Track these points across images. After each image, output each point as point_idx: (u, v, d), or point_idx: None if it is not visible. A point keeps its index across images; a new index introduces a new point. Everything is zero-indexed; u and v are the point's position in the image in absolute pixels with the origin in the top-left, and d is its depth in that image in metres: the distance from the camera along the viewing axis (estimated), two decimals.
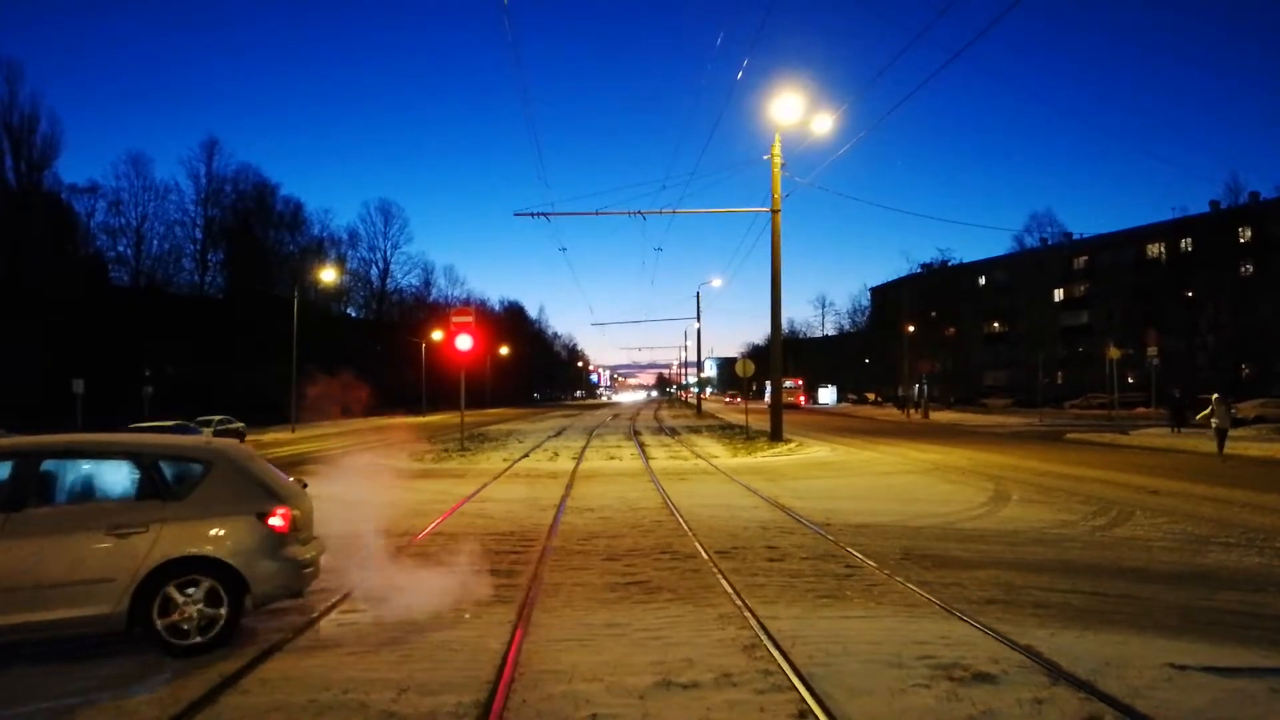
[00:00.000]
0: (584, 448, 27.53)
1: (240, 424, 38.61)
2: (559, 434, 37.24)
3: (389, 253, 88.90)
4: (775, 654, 5.63)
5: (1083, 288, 78.96)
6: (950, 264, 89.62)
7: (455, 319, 26.78)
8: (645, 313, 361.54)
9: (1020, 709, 4.67)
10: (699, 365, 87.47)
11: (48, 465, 6.09)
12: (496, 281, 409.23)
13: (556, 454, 24.92)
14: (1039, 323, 76.59)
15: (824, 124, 24.43)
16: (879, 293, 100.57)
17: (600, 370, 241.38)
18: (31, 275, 44.87)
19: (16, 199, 49.10)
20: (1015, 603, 7.06)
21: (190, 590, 5.88)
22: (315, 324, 58.40)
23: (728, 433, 35.59)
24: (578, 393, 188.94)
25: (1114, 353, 38.85)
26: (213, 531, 6.03)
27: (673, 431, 38.70)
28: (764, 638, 6.02)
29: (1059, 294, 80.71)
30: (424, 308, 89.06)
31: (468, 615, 6.89)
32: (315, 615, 6.88)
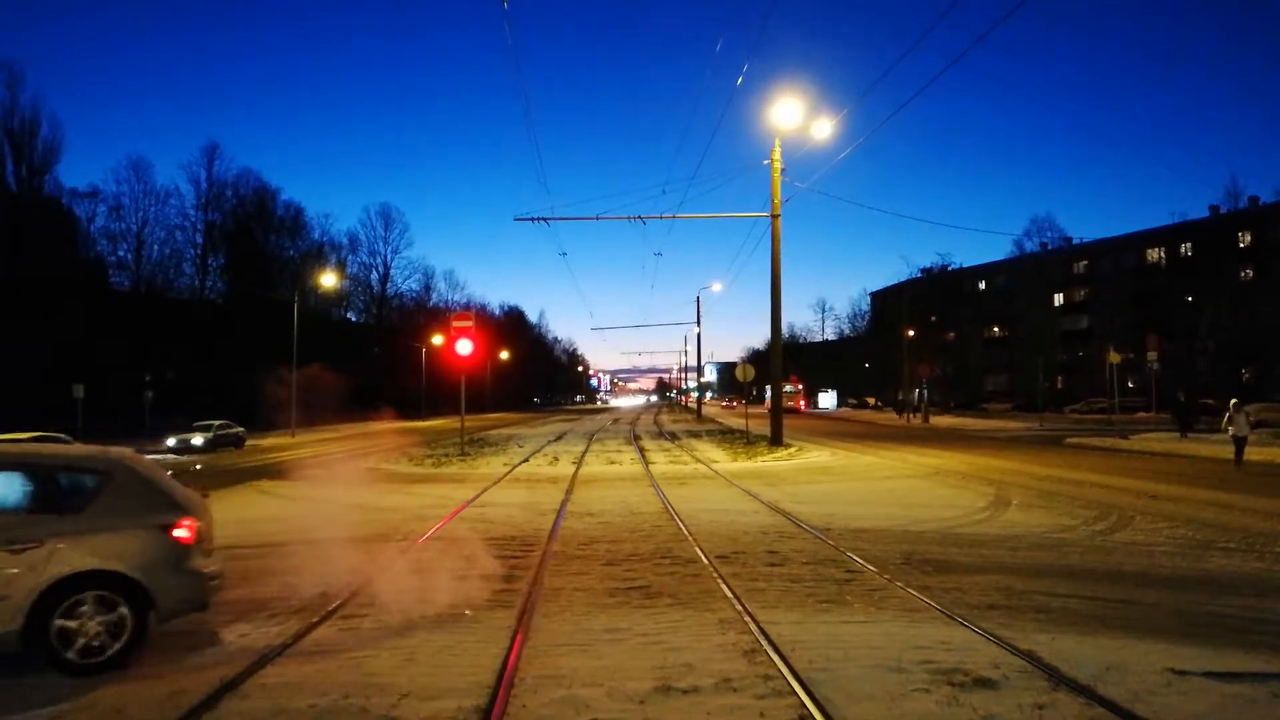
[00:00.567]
0: (584, 452, 27.52)
1: (240, 429, 38.49)
2: (559, 439, 37.22)
3: (389, 257, 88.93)
4: (775, 659, 5.63)
5: (1083, 292, 78.99)
6: (950, 268, 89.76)
7: (455, 324, 26.83)
8: (645, 317, 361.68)
9: (1021, 714, 4.67)
10: (699, 370, 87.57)
11: None
12: (497, 286, 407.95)
13: (556, 459, 24.91)
14: (1039, 327, 76.58)
15: (824, 129, 24.49)
16: (879, 297, 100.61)
17: (600, 375, 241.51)
18: (32, 280, 44.87)
19: (17, 203, 49.18)
20: (1016, 608, 7.05)
21: (90, 607, 5.62)
22: (316, 328, 58.45)
23: (728, 437, 35.58)
24: (578, 397, 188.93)
25: (1114, 357, 38.80)
26: (114, 545, 5.77)
27: (673, 436, 38.68)
28: (764, 643, 6.01)
29: (1059, 298, 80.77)
30: (424, 312, 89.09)
31: (468, 620, 6.89)
32: (315, 620, 6.87)
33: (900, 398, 64.97)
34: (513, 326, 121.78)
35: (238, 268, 66.08)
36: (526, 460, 24.34)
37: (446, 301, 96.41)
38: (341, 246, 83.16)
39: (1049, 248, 78.97)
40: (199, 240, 65.19)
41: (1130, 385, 58.64)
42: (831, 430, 44.64)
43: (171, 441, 34.81)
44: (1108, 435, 32.57)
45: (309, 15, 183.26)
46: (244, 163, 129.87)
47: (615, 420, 67.32)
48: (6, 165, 49.38)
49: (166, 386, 47.55)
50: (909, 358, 60.85)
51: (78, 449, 8.14)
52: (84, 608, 5.61)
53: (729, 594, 7.58)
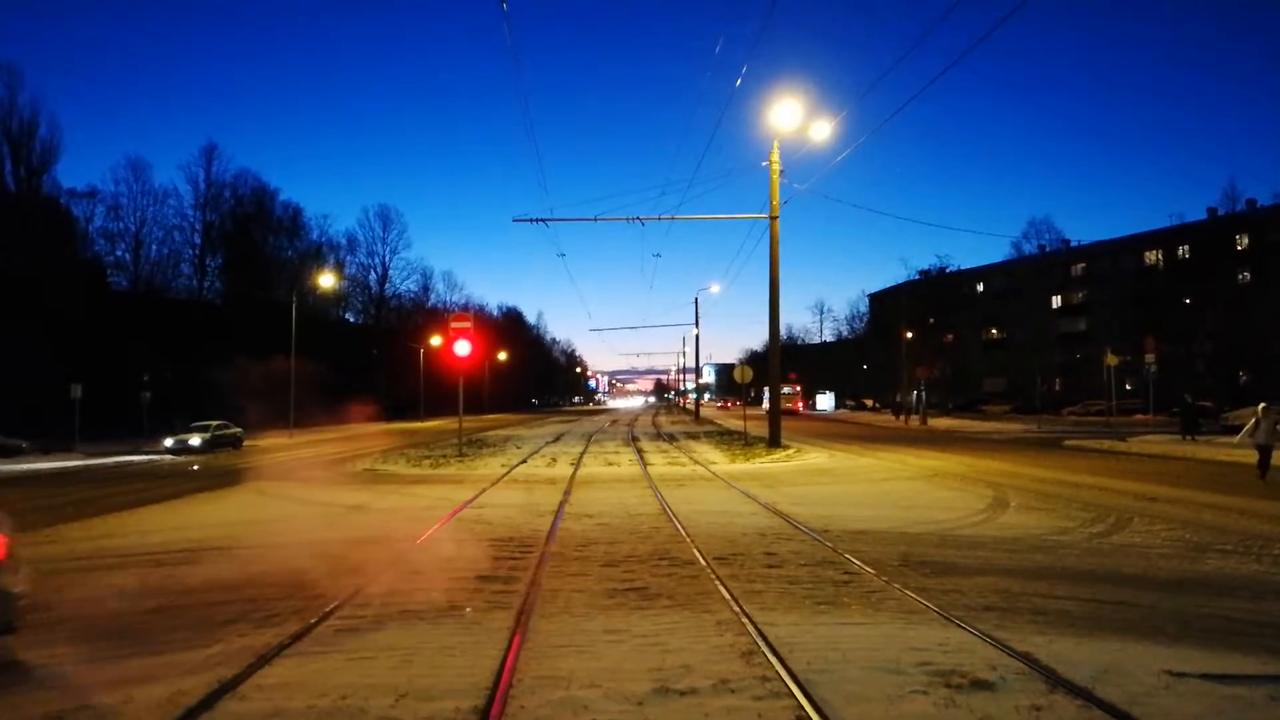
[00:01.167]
0: (582, 454, 27.51)
1: (237, 429, 38.45)
2: (557, 440, 37.21)
3: (388, 258, 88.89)
4: (773, 660, 5.63)
5: (1081, 294, 79.13)
6: (949, 270, 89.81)
7: (454, 325, 26.83)
8: (643, 318, 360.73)
9: (1018, 715, 4.67)
10: (697, 371, 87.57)
11: None
12: (495, 287, 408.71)
13: (554, 460, 24.91)
14: (1037, 329, 76.74)
15: (823, 130, 24.54)
16: (877, 299, 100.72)
17: (598, 376, 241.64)
18: (30, 280, 44.82)
19: (15, 203, 49.13)
20: (1013, 609, 7.06)
21: None
22: (315, 329, 58.39)
23: (726, 439, 35.58)
24: (575, 398, 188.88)
25: (1112, 359, 38.83)
26: None
27: (671, 437, 38.67)
28: (762, 644, 6.01)
29: (1057, 300, 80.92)
30: (422, 313, 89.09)
31: (466, 621, 6.89)
32: (314, 620, 6.87)
33: (898, 399, 64.98)
34: (511, 327, 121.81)
35: (236, 268, 66.07)
36: (524, 461, 24.33)
37: (445, 302, 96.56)
38: (340, 247, 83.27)
39: (1047, 250, 79.13)
40: (197, 240, 65.24)
41: (1128, 387, 58.72)
42: (829, 432, 44.66)
43: (169, 442, 34.76)
44: (1106, 437, 32.60)
45: (308, 16, 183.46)
46: (242, 163, 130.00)
47: (613, 421, 67.30)
48: (5, 165, 49.40)
49: (164, 386, 47.47)
50: (907, 359, 60.88)
51: None
52: None
53: (727, 595, 7.59)
